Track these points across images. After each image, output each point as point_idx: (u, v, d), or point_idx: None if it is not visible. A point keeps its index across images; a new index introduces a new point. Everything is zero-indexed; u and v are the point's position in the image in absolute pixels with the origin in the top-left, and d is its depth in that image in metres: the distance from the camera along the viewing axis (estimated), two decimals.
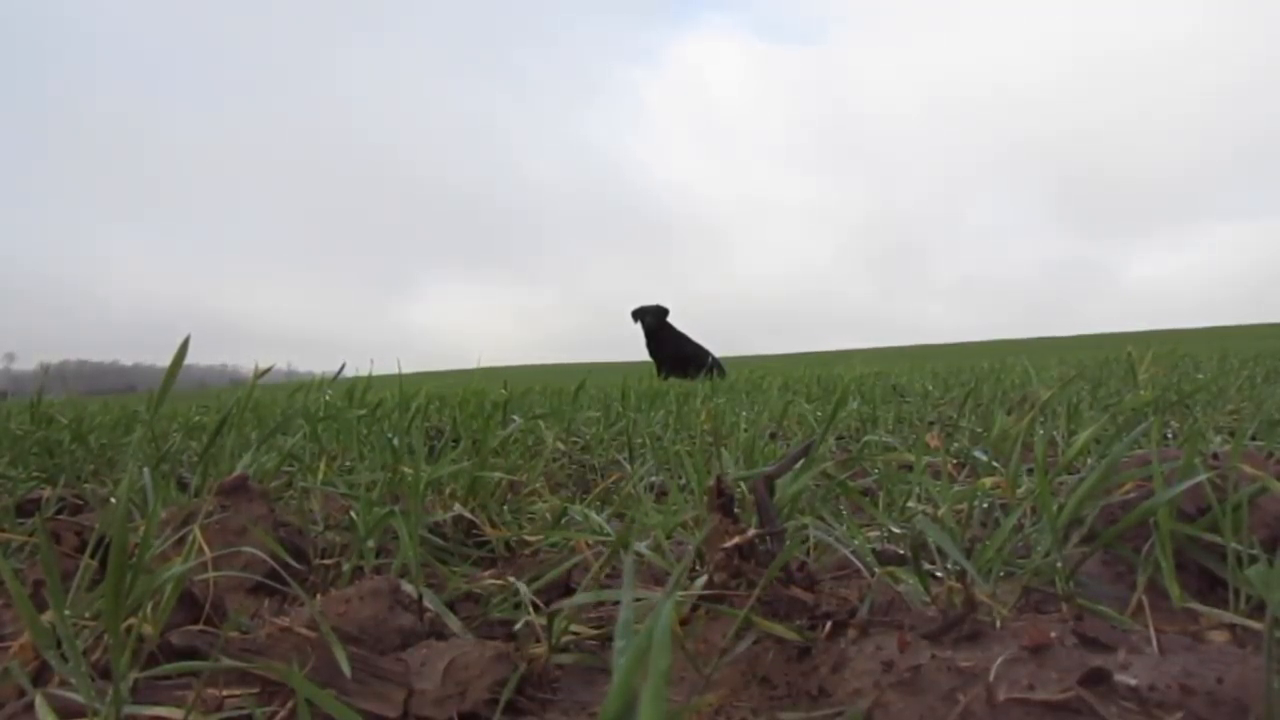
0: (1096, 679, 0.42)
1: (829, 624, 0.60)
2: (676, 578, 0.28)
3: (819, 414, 2.01)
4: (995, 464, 1.22)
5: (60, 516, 1.13)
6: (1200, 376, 3.03)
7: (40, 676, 0.58)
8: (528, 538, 1.09)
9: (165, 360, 1.03)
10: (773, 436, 1.89)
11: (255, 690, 0.59)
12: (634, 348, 7.93)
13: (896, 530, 0.98)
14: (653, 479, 1.47)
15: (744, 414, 2.13)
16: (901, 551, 0.93)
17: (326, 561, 0.98)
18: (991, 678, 0.44)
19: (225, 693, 0.59)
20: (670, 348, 7.78)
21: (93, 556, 0.72)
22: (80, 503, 1.29)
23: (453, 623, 0.76)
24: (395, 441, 1.45)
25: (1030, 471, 1.15)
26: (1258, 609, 0.61)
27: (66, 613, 0.58)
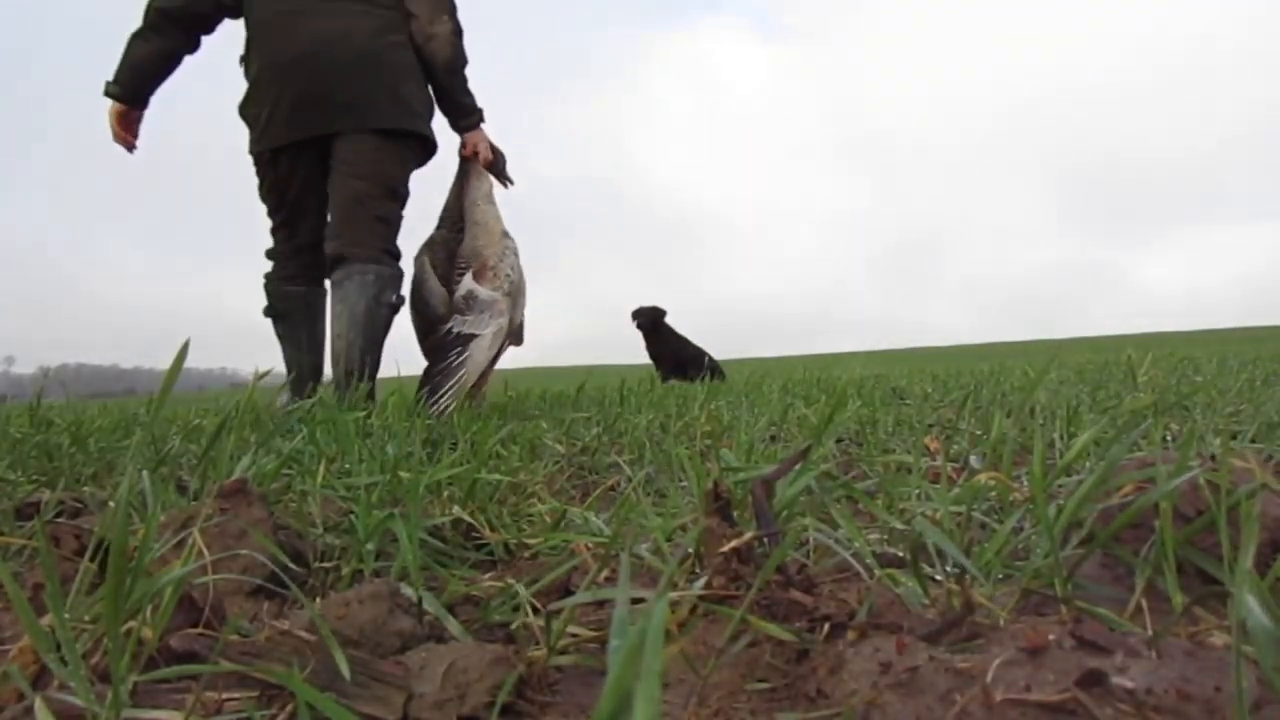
0: (1093, 681, 0.42)
1: (827, 626, 0.60)
2: (669, 576, 0.28)
3: (819, 416, 2.02)
4: (994, 467, 1.22)
5: (59, 520, 1.13)
6: (1199, 379, 3.04)
7: (39, 680, 0.59)
8: (527, 540, 1.09)
9: (164, 363, 1.03)
10: (773, 439, 1.89)
11: (255, 693, 0.59)
12: (635, 350, 7.94)
13: (900, 527, 0.98)
14: (652, 481, 1.47)
15: (743, 417, 2.13)
16: (901, 554, 0.93)
17: (326, 565, 0.98)
18: (989, 679, 0.44)
19: (225, 696, 0.59)
20: (670, 350, 7.76)
21: (92, 560, 0.72)
22: (79, 506, 1.29)
23: (452, 626, 0.76)
24: (394, 444, 1.45)
25: (1029, 474, 1.15)
26: None
27: (66, 616, 0.58)
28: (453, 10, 2.58)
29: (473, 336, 2.29)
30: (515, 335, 2.59)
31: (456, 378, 2.23)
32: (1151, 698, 0.41)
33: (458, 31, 2.56)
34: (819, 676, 0.53)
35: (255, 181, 2.65)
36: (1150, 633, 0.57)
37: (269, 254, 2.65)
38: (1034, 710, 0.42)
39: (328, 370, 2.57)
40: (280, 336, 2.66)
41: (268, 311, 2.64)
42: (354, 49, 2.39)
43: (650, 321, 7.83)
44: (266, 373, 1.61)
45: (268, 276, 2.64)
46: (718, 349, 8.06)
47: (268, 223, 2.65)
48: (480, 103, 2.66)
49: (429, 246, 2.59)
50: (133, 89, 2.58)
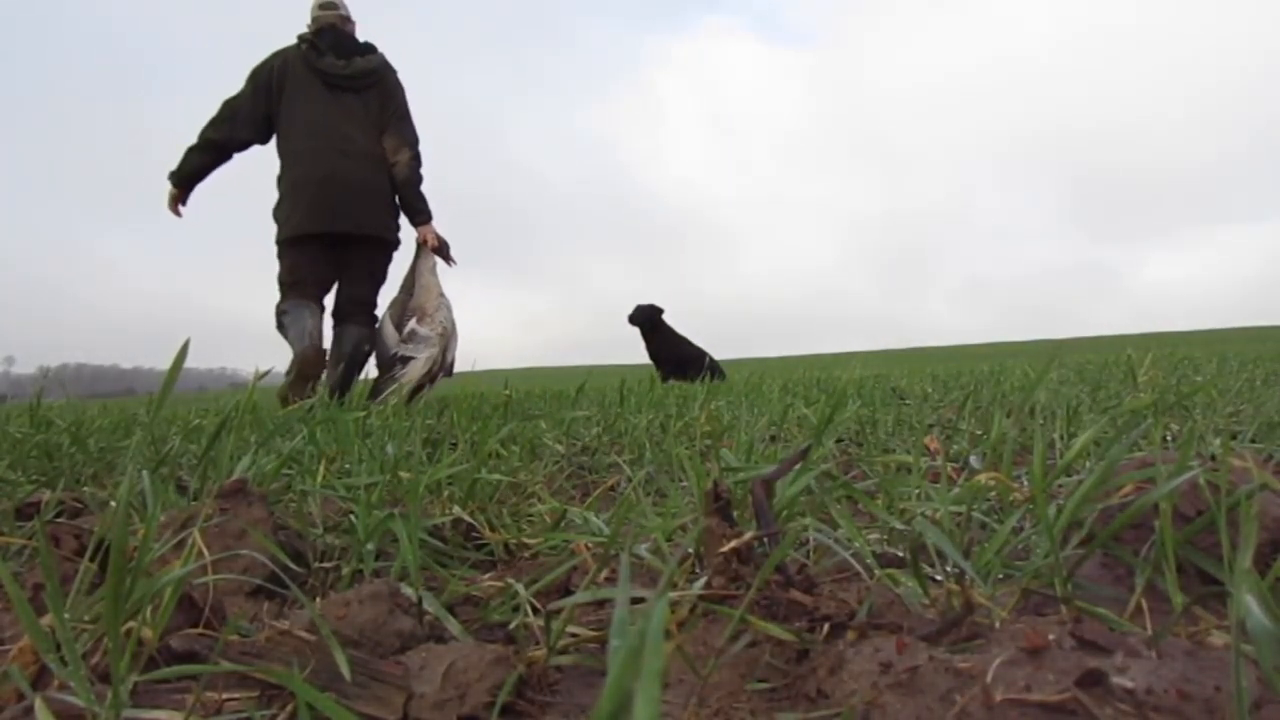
0: (1093, 681, 0.42)
1: (827, 626, 0.60)
2: (668, 577, 0.28)
3: (819, 416, 2.01)
4: (994, 467, 1.22)
5: (59, 520, 1.13)
6: (1199, 379, 3.04)
7: (39, 680, 0.59)
8: (527, 540, 1.09)
9: (164, 363, 1.03)
10: (773, 439, 1.89)
11: (255, 694, 0.59)
12: (635, 350, 7.92)
13: (900, 527, 0.98)
14: (652, 481, 1.47)
15: (743, 417, 2.13)
16: (901, 554, 0.93)
17: (326, 565, 0.98)
18: (989, 679, 0.44)
19: (225, 696, 0.59)
20: (669, 349, 7.73)
21: (92, 560, 0.72)
22: (80, 506, 1.29)
23: (452, 625, 0.76)
24: (394, 444, 1.45)
25: (1029, 473, 1.16)
26: None
27: (66, 616, 0.58)
28: (413, 143, 3.89)
29: (410, 358, 3.56)
30: (447, 370, 3.75)
31: (396, 384, 3.48)
32: (1151, 698, 0.41)
33: (416, 158, 3.88)
34: (819, 676, 0.53)
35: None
36: (1150, 633, 0.57)
37: (282, 291, 3.81)
38: (1034, 710, 0.42)
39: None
40: (285, 327, 3.69)
41: (278, 320, 3.74)
42: (355, 179, 3.74)
43: (647, 320, 7.79)
44: (266, 372, 1.61)
45: (280, 305, 3.77)
46: (718, 349, 8.05)
47: (277, 286, 3.81)
48: (431, 206, 3.97)
49: (392, 305, 3.88)
50: (183, 183, 3.86)
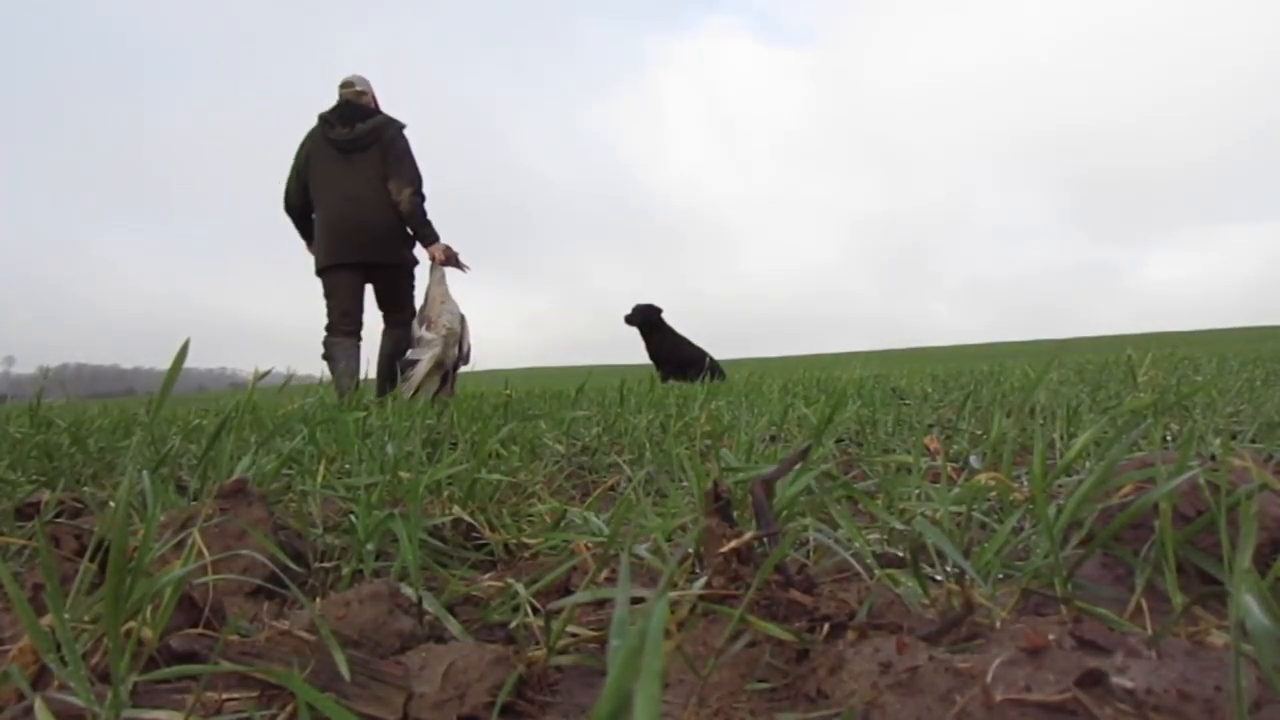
0: (1093, 681, 0.42)
1: (827, 626, 0.60)
2: (668, 577, 0.28)
3: (819, 416, 2.01)
4: (994, 467, 1.22)
5: (59, 520, 1.13)
6: (1199, 379, 3.04)
7: (40, 680, 0.59)
8: (527, 540, 1.09)
9: (164, 363, 1.03)
10: (773, 439, 1.89)
11: (255, 694, 0.59)
12: (635, 350, 7.91)
13: (900, 527, 0.98)
14: (652, 481, 1.47)
15: (743, 417, 2.13)
16: (901, 554, 0.94)
17: (326, 565, 0.98)
18: (989, 679, 0.44)
19: (224, 696, 0.59)
20: (669, 349, 7.72)
21: (92, 560, 0.72)
22: (80, 506, 1.29)
23: (452, 625, 0.76)
24: (394, 444, 1.45)
25: (1029, 473, 1.15)
26: None
27: (66, 616, 0.58)
28: (414, 181, 4.77)
29: (415, 361, 4.44)
30: (465, 358, 4.66)
31: (407, 382, 4.33)
32: (1151, 698, 0.41)
33: (417, 194, 4.77)
34: (819, 676, 0.53)
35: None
36: (1150, 633, 0.57)
37: (326, 327, 4.79)
38: (1034, 710, 0.42)
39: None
40: (333, 371, 4.69)
41: (325, 355, 4.75)
42: (363, 221, 4.75)
43: (644, 320, 7.77)
44: (266, 373, 1.61)
45: (325, 338, 4.78)
46: (718, 349, 8.03)
47: (324, 309, 4.82)
48: (437, 229, 4.87)
49: (417, 317, 4.74)
50: (306, 239, 5.09)
